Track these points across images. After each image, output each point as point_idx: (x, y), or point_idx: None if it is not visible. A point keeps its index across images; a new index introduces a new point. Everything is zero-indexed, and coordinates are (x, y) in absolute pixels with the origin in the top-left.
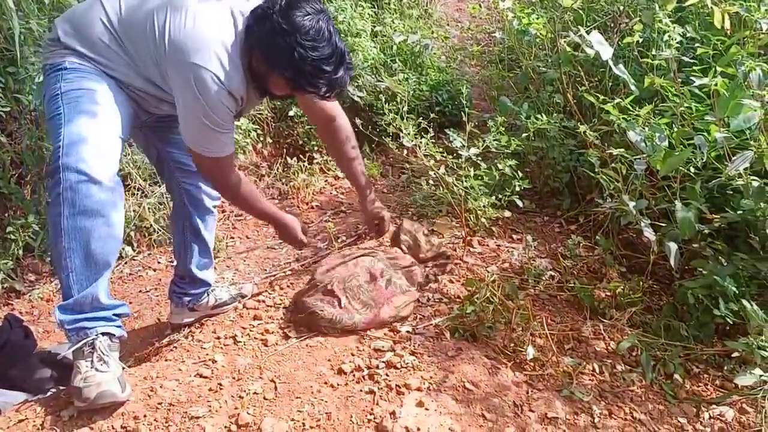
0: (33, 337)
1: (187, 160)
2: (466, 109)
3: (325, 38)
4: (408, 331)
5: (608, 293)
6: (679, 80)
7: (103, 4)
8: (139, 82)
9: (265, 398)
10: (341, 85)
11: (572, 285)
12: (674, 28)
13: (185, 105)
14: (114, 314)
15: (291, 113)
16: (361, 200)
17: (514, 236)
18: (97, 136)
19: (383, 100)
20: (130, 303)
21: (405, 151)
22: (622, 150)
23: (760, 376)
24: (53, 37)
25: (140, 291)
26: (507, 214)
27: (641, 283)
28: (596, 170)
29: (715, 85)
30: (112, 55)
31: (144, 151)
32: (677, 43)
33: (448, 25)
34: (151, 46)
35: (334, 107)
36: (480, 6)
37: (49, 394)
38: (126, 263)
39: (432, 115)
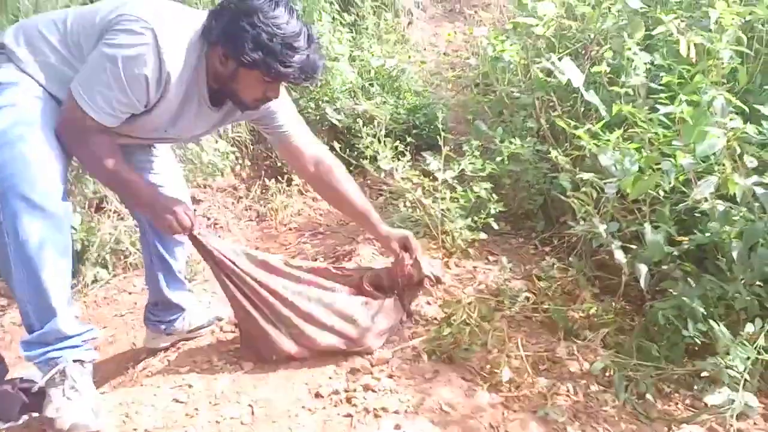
0: (4, 364)
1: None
2: (442, 133)
3: (289, 15)
4: (386, 355)
5: (582, 314)
6: (647, 107)
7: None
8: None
9: (242, 423)
10: (315, 68)
11: (547, 306)
12: (641, 56)
13: (98, 49)
14: (82, 340)
15: None
16: (375, 227)
17: (491, 258)
18: (30, 156)
19: (361, 123)
20: (105, 327)
21: (383, 174)
22: (593, 174)
23: (729, 395)
24: None
25: (115, 315)
26: (483, 236)
27: (614, 304)
28: (568, 194)
29: (681, 112)
30: (53, 52)
31: None
32: (645, 70)
33: (425, 49)
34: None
35: (316, 146)
36: (455, 33)
37: (21, 421)
38: (101, 287)
39: (409, 138)
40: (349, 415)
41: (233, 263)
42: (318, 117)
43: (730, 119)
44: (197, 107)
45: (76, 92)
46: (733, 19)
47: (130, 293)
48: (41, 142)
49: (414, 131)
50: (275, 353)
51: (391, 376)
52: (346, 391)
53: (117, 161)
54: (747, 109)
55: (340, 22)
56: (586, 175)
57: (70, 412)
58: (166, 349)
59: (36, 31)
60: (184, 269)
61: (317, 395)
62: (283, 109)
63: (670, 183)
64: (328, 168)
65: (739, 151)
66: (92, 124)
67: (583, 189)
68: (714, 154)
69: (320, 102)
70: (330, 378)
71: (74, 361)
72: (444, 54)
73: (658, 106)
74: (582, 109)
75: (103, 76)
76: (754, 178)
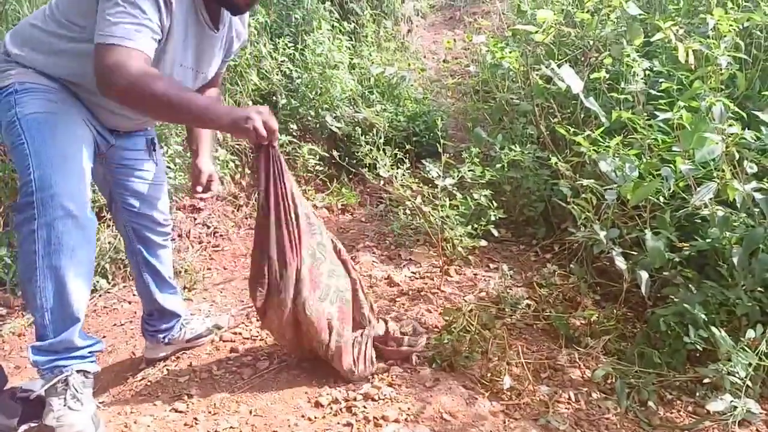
0: (3, 374)
1: (134, 202)
2: (442, 140)
3: None
4: (386, 363)
5: (583, 321)
6: (646, 114)
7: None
8: (89, 68)
9: None
10: None
11: (548, 313)
12: (641, 62)
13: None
14: (89, 351)
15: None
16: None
17: (491, 265)
18: (68, 168)
19: (360, 131)
20: (104, 337)
21: (382, 182)
22: (593, 180)
23: (731, 401)
24: (1, 54)
25: (114, 324)
26: (483, 243)
27: (615, 311)
28: (568, 200)
29: (679, 118)
30: (58, 43)
31: (99, 189)
32: (645, 76)
33: (424, 57)
34: None
35: (219, 79)
36: (454, 40)
37: (20, 430)
38: (100, 296)
39: (408, 146)
40: (349, 424)
41: (291, 201)
42: (318, 125)
43: (729, 125)
44: (201, 31)
45: (103, 38)
46: (730, 25)
47: (129, 303)
48: (73, 149)
49: (414, 139)
50: (276, 314)
51: (391, 385)
52: (346, 400)
53: (177, 87)
54: (745, 116)
55: (340, 30)
56: (586, 182)
57: (71, 421)
58: (165, 358)
59: (27, 26)
60: (172, 273)
61: (317, 404)
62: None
63: (669, 189)
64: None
65: (738, 156)
66: (133, 62)
67: (583, 195)
68: (713, 159)
69: (320, 110)
70: (330, 387)
71: (78, 371)
72: (444, 61)
73: (657, 112)
74: (582, 115)
75: (118, 8)
76: (754, 183)
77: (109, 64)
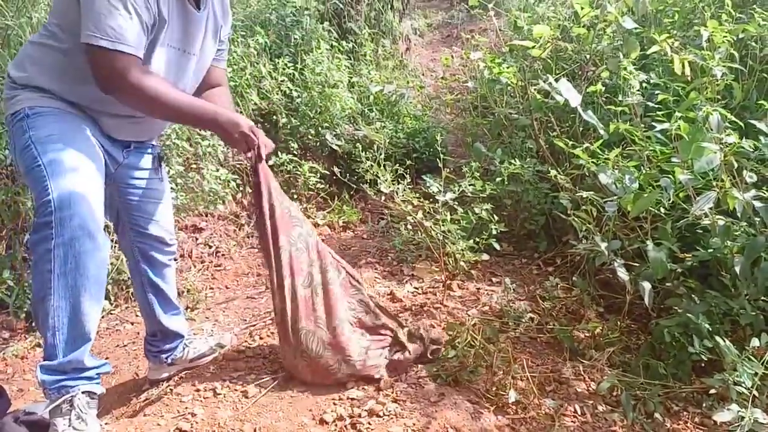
0: (6, 396)
1: (142, 222)
2: (441, 156)
3: None
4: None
5: (587, 334)
6: (644, 125)
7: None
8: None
9: None
10: None
11: (552, 327)
12: (637, 75)
13: None
14: (97, 373)
15: (270, 162)
16: None
17: (494, 279)
18: (86, 189)
19: (360, 148)
20: (107, 358)
21: (383, 198)
22: (592, 192)
23: (738, 412)
24: (8, 80)
25: (117, 345)
26: (485, 257)
27: (619, 323)
28: (568, 213)
29: (677, 129)
30: (58, 58)
31: (106, 209)
32: (642, 88)
33: (423, 75)
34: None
35: (224, 78)
36: (452, 57)
37: None
38: (103, 317)
39: (409, 162)
40: None
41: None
42: (318, 143)
43: (727, 134)
44: (184, 10)
45: (90, 38)
46: (724, 36)
47: (132, 324)
48: (88, 169)
49: (414, 155)
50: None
51: (396, 401)
52: (350, 416)
53: (168, 89)
54: (743, 125)
55: (339, 50)
56: (585, 194)
57: None
58: (168, 378)
59: (27, 45)
60: (176, 293)
61: (321, 421)
62: (228, 42)
63: (669, 200)
64: (213, 91)
65: (736, 166)
66: (123, 63)
67: (584, 207)
68: (712, 169)
69: (320, 128)
70: (334, 403)
71: (84, 392)
72: (442, 78)
73: (654, 123)
74: (581, 128)
75: (102, 5)
76: (753, 192)
77: (106, 71)
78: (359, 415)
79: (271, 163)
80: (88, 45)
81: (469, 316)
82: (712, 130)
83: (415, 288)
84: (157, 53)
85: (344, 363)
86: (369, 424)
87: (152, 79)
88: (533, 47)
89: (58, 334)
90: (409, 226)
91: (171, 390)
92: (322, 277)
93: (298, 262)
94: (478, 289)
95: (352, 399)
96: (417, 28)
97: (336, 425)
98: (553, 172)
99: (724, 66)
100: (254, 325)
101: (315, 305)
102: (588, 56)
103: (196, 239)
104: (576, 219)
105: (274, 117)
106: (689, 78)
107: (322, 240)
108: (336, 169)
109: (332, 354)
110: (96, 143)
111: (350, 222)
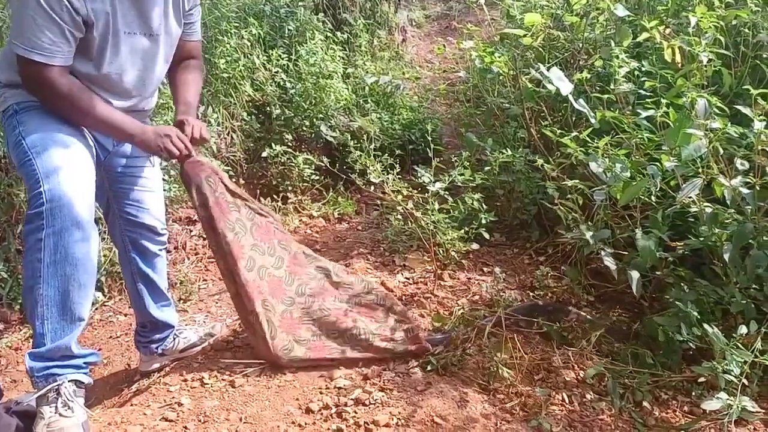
0: None
1: (133, 211)
2: (432, 145)
3: None
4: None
5: (576, 323)
6: (630, 113)
7: None
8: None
9: None
10: None
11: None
12: (629, 63)
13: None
14: (84, 362)
15: (264, 154)
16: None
17: (485, 269)
18: (76, 180)
19: (349, 137)
20: (100, 349)
21: (372, 188)
22: (578, 181)
23: (726, 400)
24: None
25: (110, 337)
26: (475, 246)
27: (609, 312)
28: (555, 202)
29: (662, 115)
30: None
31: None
32: (632, 76)
33: (420, 66)
34: None
35: (197, 51)
36: (445, 47)
37: None
38: (96, 309)
39: (404, 153)
40: (340, 430)
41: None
42: (312, 134)
43: (712, 121)
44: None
45: (12, 45)
46: (712, 22)
47: (125, 315)
48: (78, 160)
49: (410, 146)
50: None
51: (383, 389)
52: (336, 405)
53: (92, 101)
54: (735, 113)
55: (333, 41)
56: (571, 183)
57: (61, 425)
58: (159, 369)
59: (7, 47)
60: (167, 284)
61: (308, 410)
62: (197, 15)
63: (657, 187)
64: (186, 65)
65: (722, 152)
66: (48, 73)
67: (569, 196)
68: (701, 157)
69: (314, 119)
70: (321, 392)
71: (71, 381)
72: (438, 68)
73: (640, 111)
74: (573, 118)
75: (23, 13)
76: (740, 178)
77: (24, 76)
78: (345, 404)
79: (265, 154)
80: (19, 57)
81: (459, 305)
82: (699, 116)
83: (406, 278)
84: (112, 45)
85: (296, 343)
86: (355, 412)
87: (68, 86)
88: (524, 35)
89: (46, 323)
90: (400, 217)
91: (159, 379)
92: (265, 258)
93: (238, 246)
94: (469, 278)
95: (339, 388)
96: (414, 19)
97: (322, 414)
98: (540, 161)
99: (711, 52)
100: None
101: (260, 288)
102: (580, 45)
103: (190, 231)
104: (562, 208)
105: (268, 108)
106: (680, 65)
107: (317, 232)
108: (325, 160)
109: (285, 335)
110: (85, 132)
111: (345, 213)
